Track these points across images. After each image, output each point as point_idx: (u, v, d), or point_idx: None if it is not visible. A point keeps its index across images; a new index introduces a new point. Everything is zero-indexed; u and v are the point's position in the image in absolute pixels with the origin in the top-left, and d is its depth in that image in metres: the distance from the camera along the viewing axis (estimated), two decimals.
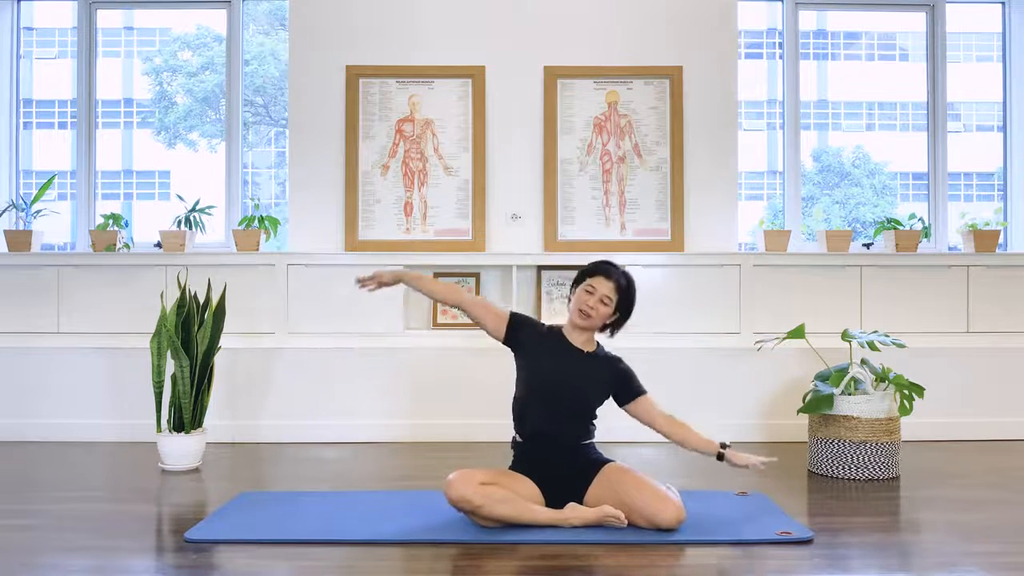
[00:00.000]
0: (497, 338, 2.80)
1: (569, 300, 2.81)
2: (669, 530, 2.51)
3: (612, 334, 2.83)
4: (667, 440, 2.77)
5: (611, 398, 2.79)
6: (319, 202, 4.44)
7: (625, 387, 2.77)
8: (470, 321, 4.26)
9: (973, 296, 4.30)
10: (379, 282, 2.82)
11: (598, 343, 2.84)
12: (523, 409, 2.74)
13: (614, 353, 2.84)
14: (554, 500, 2.65)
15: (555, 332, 2.81)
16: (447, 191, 4.43)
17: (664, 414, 2.76)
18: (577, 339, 2.78)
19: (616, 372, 2.78)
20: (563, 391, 2.70)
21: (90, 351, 4.16)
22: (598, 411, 2.79)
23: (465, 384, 4.14)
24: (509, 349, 2.81)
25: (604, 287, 2.74)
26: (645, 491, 2.56)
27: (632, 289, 2.81)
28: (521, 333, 2.78)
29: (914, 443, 3.93)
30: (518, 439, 2.76)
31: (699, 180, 4.47)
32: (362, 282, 2.83)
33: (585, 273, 2.80)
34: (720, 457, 2.68)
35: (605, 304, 2.73)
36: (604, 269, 2.78)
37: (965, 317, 4.30)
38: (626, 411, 2.79)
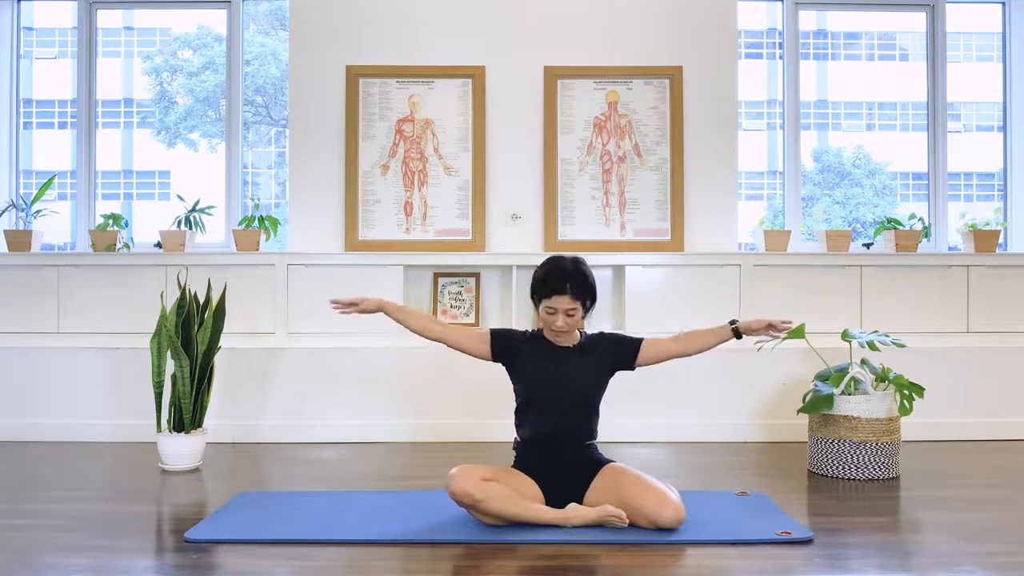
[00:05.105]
0: (485, 358, 2.78)
1: (534, 304, 2.74)
2: (669, 530, 2.51)
3: (584, 318, 2.78)
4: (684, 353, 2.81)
5: (618, 371, 2.79)
6: (319, 202, 4.44)
7: (623, 351, 2.77)
8: (470, 321, 4.33)
9: (973, 296, 4.30)
10: (360, 309, 2.80)
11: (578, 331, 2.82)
12: (525, 417, 2.74)
13: (593, 332, 2.84)
14: (554, 500, 2.64)
15: (537, 335, 2.79)
16: (447, 191, 4.43)
17: (671, 340, 2.78)
18: (559, 341, 2.76)
19: (606, 347, 2.77)
20: (561, 391, 2.69)
21: (90, 351, 4.16)
22: (599, 411, 2.78)
23: (465, 384, 4.14)
24: (502, 365, 2.79)
25: (563, 303, 2.65)
26: (645, 491, 2.55)
27: (587, 280, 2.69)
28: (506, 345, 2.76)
29: (914, 443, 3.93)
30: (520, 441, 2.76)
31: (699, 180, 4.47)
32: (341, 306, 2.80)
33: (539, 293, 2.69)
34: (737, 335, 2.75)
35: (571, 315, 2.67)
36: (557, 287, 2.65)
37: (965, 317, 4.30)
38: (640, 365, 2.78)
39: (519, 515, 2.54)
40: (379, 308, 2.81)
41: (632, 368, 2.79)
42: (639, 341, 2.79)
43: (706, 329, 2.81)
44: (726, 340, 2.78)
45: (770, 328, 2.74)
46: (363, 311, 2.80)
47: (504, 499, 2.53)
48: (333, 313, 2.86)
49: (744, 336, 2.78)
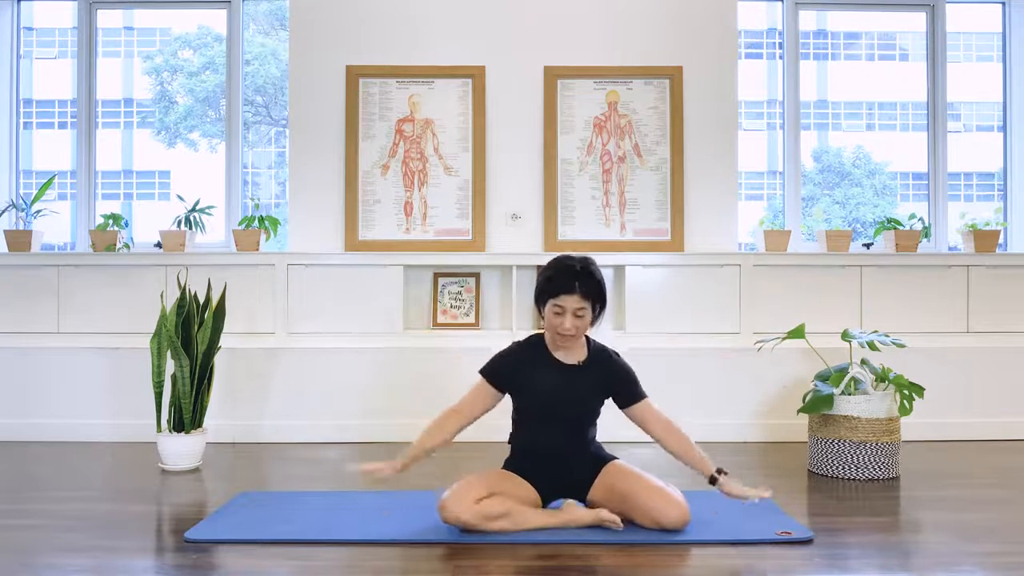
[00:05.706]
0: (499, 400, 2.69)
1: (539, 310, 2.64)
2: (674, 530, 2.50)
3: (593, 324, 2.66)
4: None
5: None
6: (319, 202, 4.44)
7: (624, 389, 2.68)
8: (470, 321, 4.33)
9: (973, 296, 4.30)
10: (385, 475, 2.57)
11: (586, 340, 2.71)
12: (524, 426, 2.70)
13: (607, 348, 2.73)
14: (554, 498, 2.64)
15: (535, 346, 2.69)
16: (447, 191, 4.43)
17: (663, 421, 2.66)
18: (562, 353, 2.67)
19: (613, 373, 2.68)
20: (564, 408, 2.64)
21: (90, 351, 4.16)
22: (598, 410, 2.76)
23: (465, 383, 4.10)
24: (510, 395, 2.71)
25: (572, 302, 2.53)
26: (651, 491, 2.54)
27: (598, 281, 2.57)
28: (503, 376, 2.67)
29: (914, 443, 3.93)
30: (517, 446, 2.73)
31: (699, 180, 4.47)
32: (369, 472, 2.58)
33: (546, 292, 2.59)
34: (712, 481, 2.58)
35: (580, 316, 2.55)
36: (566, 285, 2.54)
37: (965, 317, 4.30)
38: (623, 412, 2.72)
39: (517, 529, 2.50)
40: (404, 468, 2.58)
41: (618, 407, 2.71)
42: (640, 398, 2.68)
43: (695, 448, 2.60)
44: (701, 473, 2.60)
45: (745, 499, 2.56)
46: (392, 472, 2.56)
47: (499, 519, 2.48)
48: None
49: (715, 487, 2.58)
